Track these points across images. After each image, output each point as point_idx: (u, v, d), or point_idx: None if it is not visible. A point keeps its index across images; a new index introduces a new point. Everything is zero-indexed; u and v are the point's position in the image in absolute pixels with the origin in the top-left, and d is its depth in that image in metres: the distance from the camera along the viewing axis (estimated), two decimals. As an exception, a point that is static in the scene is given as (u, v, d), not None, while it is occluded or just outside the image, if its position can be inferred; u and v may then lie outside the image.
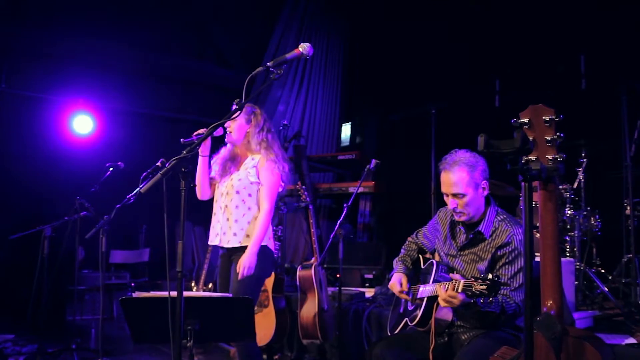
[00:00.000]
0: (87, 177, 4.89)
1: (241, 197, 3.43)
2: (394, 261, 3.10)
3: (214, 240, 3.51)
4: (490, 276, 2.28)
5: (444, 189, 2.72)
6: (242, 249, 3.36)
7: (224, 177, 3.54)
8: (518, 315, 2.60)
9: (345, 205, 4.37)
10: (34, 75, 6.73)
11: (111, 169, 4.46)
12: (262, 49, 7.78)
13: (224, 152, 3.64)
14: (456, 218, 2.76)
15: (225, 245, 3.44)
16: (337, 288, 4.31)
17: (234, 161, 3.58)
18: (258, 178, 3.44)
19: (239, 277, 3.27)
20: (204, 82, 7.95)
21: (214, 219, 3.54)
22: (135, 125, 7.33)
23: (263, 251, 3.38)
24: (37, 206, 6.36)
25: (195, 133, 3.13)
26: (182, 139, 3.05)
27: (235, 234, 3.40)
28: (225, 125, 3.42)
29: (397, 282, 2.90)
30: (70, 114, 6.89)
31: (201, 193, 3.57)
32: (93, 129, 6.99)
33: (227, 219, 3.43)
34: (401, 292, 2.86)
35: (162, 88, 7.70)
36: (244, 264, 3.27)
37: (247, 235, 3.39)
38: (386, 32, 7.36)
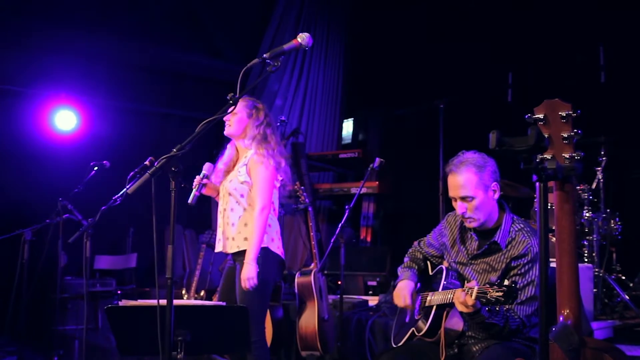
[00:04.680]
0: (70, 176, 4.88)
1: (235, 199, 3.44)
2: (399, 269, 3.07)
3: (218, 247, 3.51)
4: (507, 282, 2.27)
5: (451, 193, 2.70)
6: (243, 253, 3.34)
7: (224, 180, 3.56)
8: (521, 332, 2.60)
9: (347, 207, 4.37)
10: (11, 67, 6.70)
11: (96, 168, 4.46)
12: (258, 39, 7.77)
13: (227, 152, 3.64)
14: (467, 224, 2.74)
15: (229, 251, 3.45)
16: (339, 296, 4.32)
17: (235, 161, 3.60)
18: (249, 176, 3.40)
19: (243, 289, 3.27)
20: (195, 74, 7.93)
21: (218, 224, 3.56)
22: (121, 121, 7.31)
23: (264, 254, 3.36)
24: (16, 208, 6.34)
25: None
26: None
27: (233, 239, 3.42)
28: (225, 119, 3.41)
29: (401, 293, 2.85)
30: (52, 109, 6.86)
31: None
32: (76, 125, 6.97)
33: (227, 223, 3.46)
34: (406, 306, 2.84)
35: (151, 81, 7.68)
36: (245, 276, 3.25)
37: (245, 239, 3.38)
38: (390, 22, 7.36)
